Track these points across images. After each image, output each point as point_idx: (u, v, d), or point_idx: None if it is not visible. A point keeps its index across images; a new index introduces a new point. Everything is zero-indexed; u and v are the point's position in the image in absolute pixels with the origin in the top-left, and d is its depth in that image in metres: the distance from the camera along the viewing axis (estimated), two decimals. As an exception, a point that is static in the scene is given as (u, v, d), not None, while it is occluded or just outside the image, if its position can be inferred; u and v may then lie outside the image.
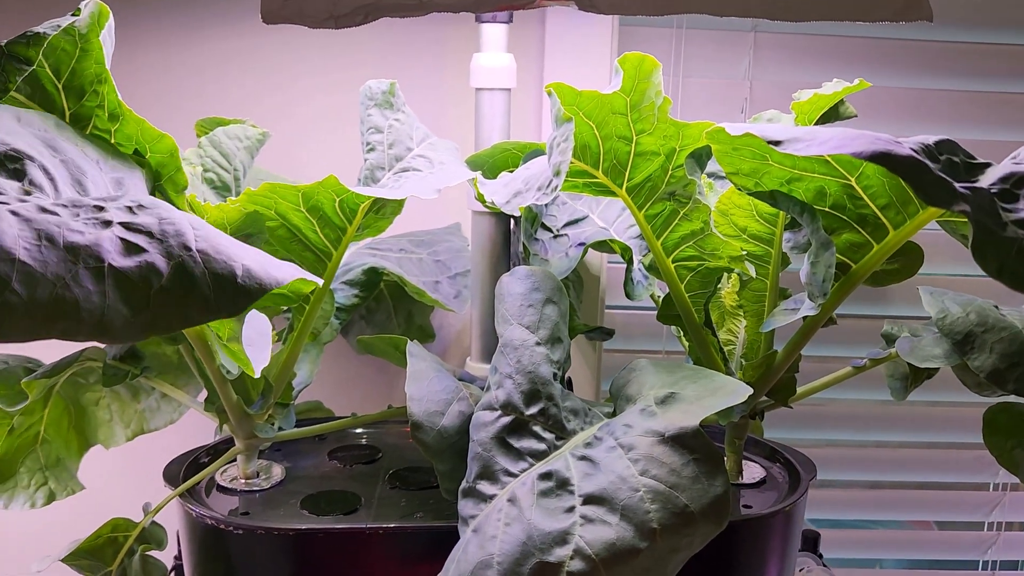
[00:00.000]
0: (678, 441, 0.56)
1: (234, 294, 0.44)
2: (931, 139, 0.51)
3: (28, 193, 0.45)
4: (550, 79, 0.91)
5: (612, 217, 0.83)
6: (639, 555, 0.53)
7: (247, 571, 0.64)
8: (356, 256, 0.86)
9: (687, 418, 0.57)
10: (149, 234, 0.43)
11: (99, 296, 0.40)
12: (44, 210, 0.42)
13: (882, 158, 0.43)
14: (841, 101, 0.73)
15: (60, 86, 0.56)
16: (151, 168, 0.61)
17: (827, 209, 0.62)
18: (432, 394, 0.63)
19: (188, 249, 0.43)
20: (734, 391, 0.58)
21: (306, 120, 0.96)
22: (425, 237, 0.94)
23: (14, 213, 0.40)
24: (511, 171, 0.81)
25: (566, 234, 0.81)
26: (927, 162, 0.45)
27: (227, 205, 0.63)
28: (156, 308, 0.41)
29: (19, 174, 0.46)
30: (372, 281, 0.82)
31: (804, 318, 0.65)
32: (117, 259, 0.41)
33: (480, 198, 0.76)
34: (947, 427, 1.11)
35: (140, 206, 0.45)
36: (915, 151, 0.47)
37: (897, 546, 1.17)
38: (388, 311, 0.95)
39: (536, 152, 0.77)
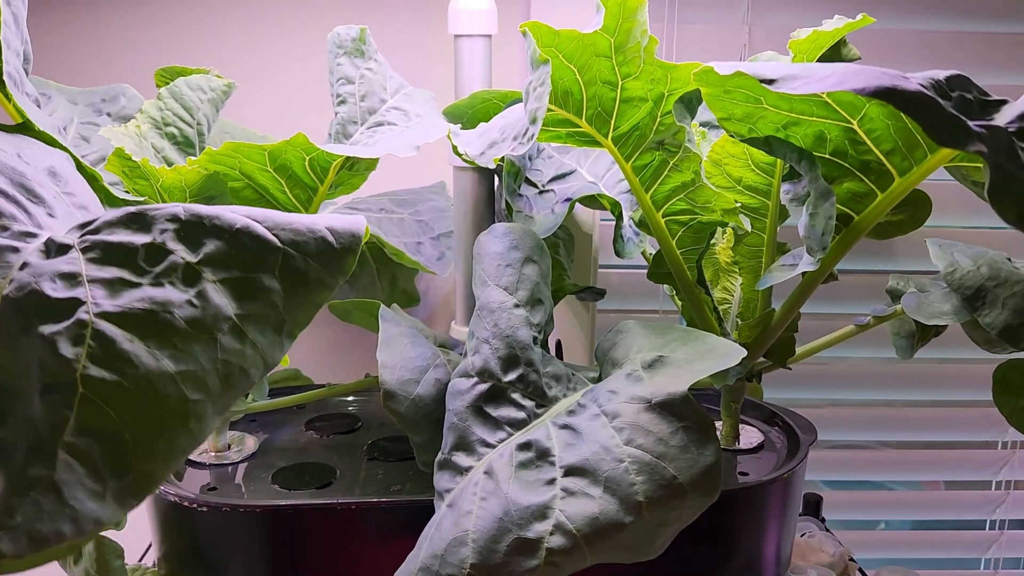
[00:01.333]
0: (666, 408, 0.52)
1: (340, 260, 0.41)
2: (941, 74, 0.46)
3: (4, 228, 0.40)
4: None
5: (601, 171, 0.78)
6: (624, 530, 0.50)
7: (215, 549, 0.61)
8: (333, 216, 0.82)
9: (675, 383, 0.53)
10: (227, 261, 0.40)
11: (250, 347, 0.39)
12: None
13: (888, 94, 0.39)
14: (843, 42, 0.68)
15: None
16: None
17: (827, 156, 0.57)
18: (406, 361, 0.59)
19: (277, 249, 0.40)
20: (727, 354, 0.54)
21: (273, 69, 0.91)
22: (407, 196, 0.89)
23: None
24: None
25: (552, 189, 0.77)
26: (938, 99, 0.41)
27: (184, 167, 0.59)
28: (289, 312, 0.40)
29: None
30: (348, 242, 0.78)
31: (803, 274, 0.61)
32: (238, 307, 0.39)
33: (457, 151, 0.71)
34: (955, 385, 1.07)
35: (195, 221, 0.40)
36: (924, 87, 0.42)
37: (903, 506, 1.14)
38: (372, 275, 0.90)
39: (517, 101, 0.72)
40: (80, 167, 0.52)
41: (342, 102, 0.68)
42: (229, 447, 0.70)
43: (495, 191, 0.79)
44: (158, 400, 0.36)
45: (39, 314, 0.36)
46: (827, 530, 0.87)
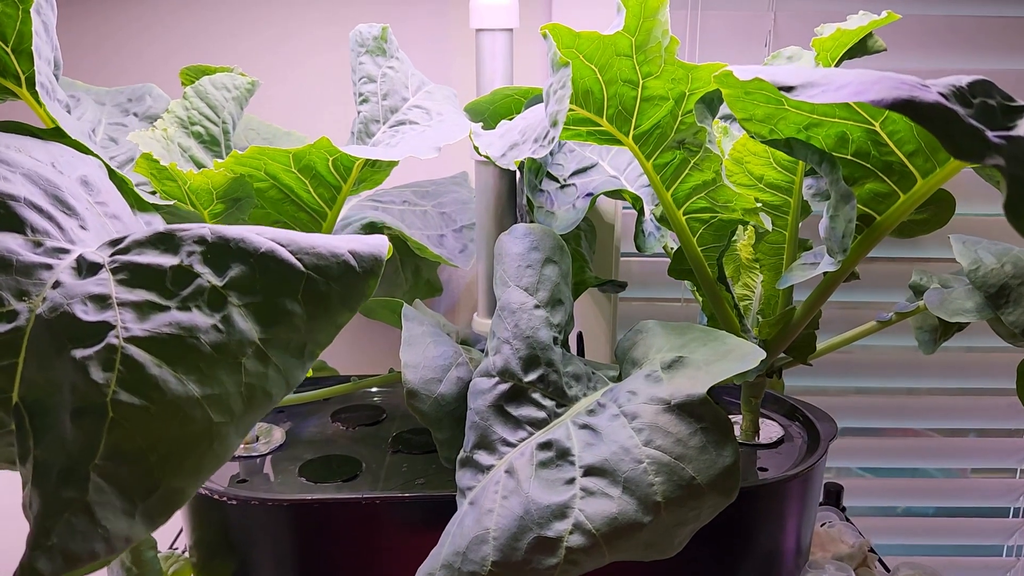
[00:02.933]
0: (685, 409, 0.53)
1: (361, 283, 0.42)
2: (964, 80, 0.46)
3: (38, 244, 0.42)
4: (559, 20, 0.86)
5: (623, 164, 0.78)
6: (643, 530, 0.51)
7: (244, 539, 0.62)
8: (356, 209, 0.83)
9: (694, 385, 0.53)
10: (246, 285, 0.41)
11: (273, 369, 0.40)
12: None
13: (905, 106, 0.39)
14: (869, 34, 0.67)
15: (9, 50, 0.52)
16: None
17: (849, 157, 0.57)
18: (429, 360, 0.60)
19: (301, 274, 0.41)
20: (746, 355, 0.55)
21: (295, 65, 0.92)
22: (430, 188, 0.90)
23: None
24: (511, 119, 0.76)
25: (573, 184, 0.77)
26: (957, 108, 0.40)
27: (211, 171, 0.60)
28: (311, 334, 0.41)
29: (11, 222, 0.42)
30: (372, 236, 0.78)
31: (824, 273, 0.61)
32: (262, 331, 0.40)
33: (478, 151, 0.72)
34: (980, 373, 1.06)
35: (220, 244, 0.41)
36: (944, 96, 0.42)
37: (926, 494, 1.14)
38: (395, 265, 0.91)
39: (539, 98, 0.72)
40: (111, 174, 0.53)
41: (364, 101, 0.69)
42: (257, 439, 0.71)
43: (517, 185, 0.80)
44: (184, 423, 0.37)
45: (71, 337, 0.37)
46: (847, 519, 0.88)
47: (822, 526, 0.84)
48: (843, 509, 0.91)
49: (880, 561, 0.80)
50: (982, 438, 1.12)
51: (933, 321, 0.73)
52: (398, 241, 0.88)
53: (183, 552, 0.73)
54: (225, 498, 0.61)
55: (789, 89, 0.44)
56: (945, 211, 0.60)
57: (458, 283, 0.98)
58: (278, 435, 0.73)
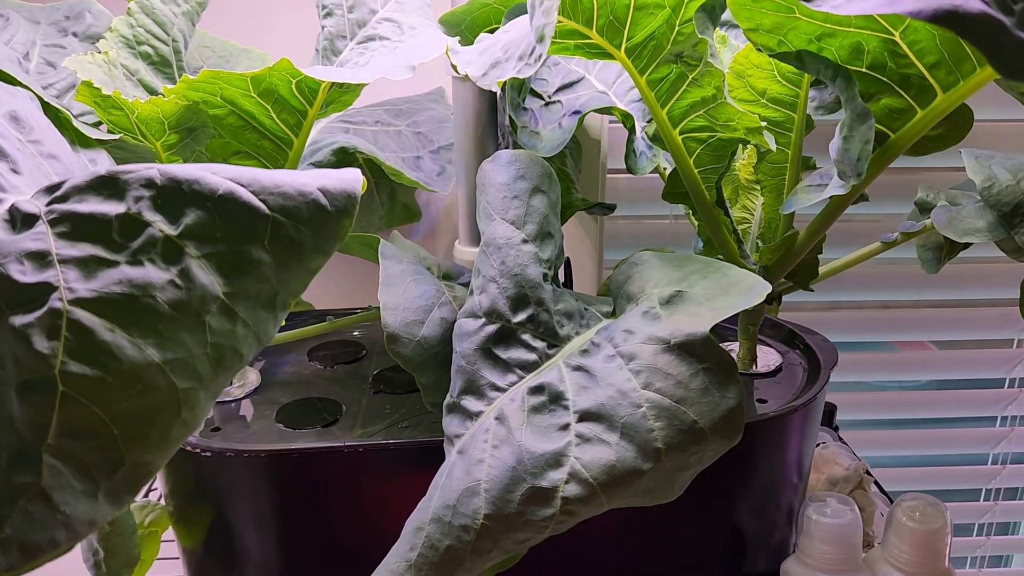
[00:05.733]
0: (685, 349, 0.49)
1: (335, 224, 0.38)
2: (1001, -18, 0.41)
3: None
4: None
5: (611, 78, 0.73)
6: (642, 477, 0.48)
7: (220, 490, 0.59)
8: (325, 132, 0.77)
9: (696, 323, 0.50)
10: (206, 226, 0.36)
11: (241, 325, 0.36)
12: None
13: (948, 18, 0.34)
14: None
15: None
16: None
17: (864, 70, 0.52)
18: (409, 301, 0.56)
19: (266, 217, 0.36)
20: (750, 289, 0.51)
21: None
22: (404, 106, 0.84)
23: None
24: (493, 29, 0.70)
25: (559, 100, 0.72)
26: (1003, 19, 0.36)
27: (161, 99, 0.54)
28: (282, 284, 0.37)
29: None
30: (344, 163, 0.73)
31: (831, 197, 0.57)
32: (226, 284, 0.36)
33: (456, 69, 0.66)
34: (975, 284, 1.04)
35: (172, 187, 0.36)
36: (987, 3, 0.37)
37: (915, 407, 1.13)
38: (370, 190, 0.86)
39: (520, 8, 0.66)
40: (46, 108, 0.47)
41: (328, 14, 0.63)
42: (231, 382, 0.68)
43: (498, 102, 0.74)
44: (146, 392, 0.33)
45: (8, 302, 0.33)
46: (840, 439, 0.87)
47: (816, 446, 0.82)
48: (836, 428, 0.89)
49: (876, 483, 0.79)
50: (972, 349, 1.10)
51: (938, 239, 0.70)
52: (372, 165, 0.83)
53: (159, 499, 0.71)
54: (199, 450, 0.57)
55: (810, -2, 0.39)
56: (962, 126, 0.56)
57: (436, 206, 0.93)
58: (252, 377, 0.69)
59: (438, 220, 0.94)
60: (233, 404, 0.66)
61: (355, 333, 0.78)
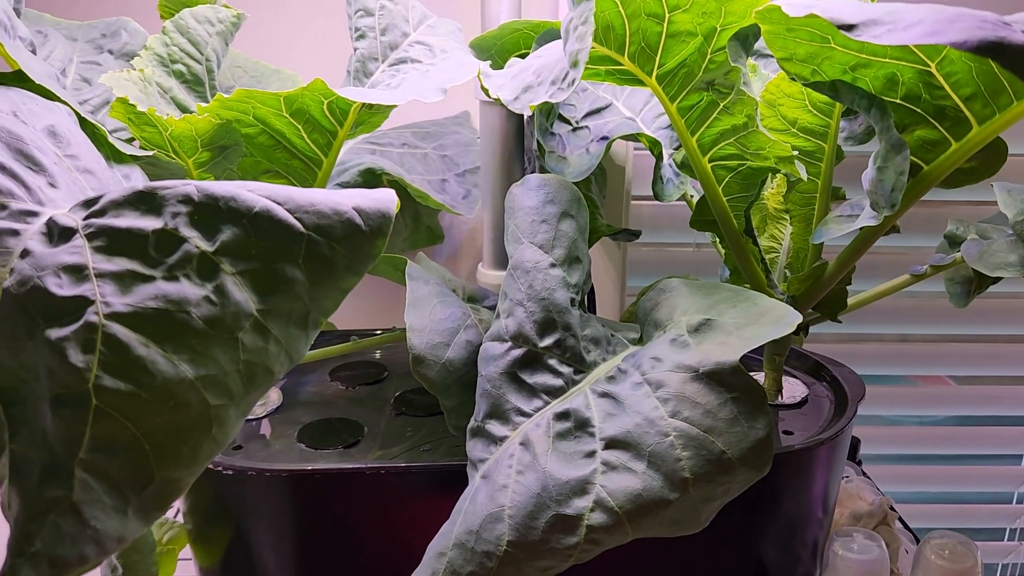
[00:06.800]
0: (714, 378, 0.49)
1: (368, 243, 0.38)
2: (1042, 16, 0.41)
3: (2, 207, 0.36)
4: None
5: (639, 105, 0.73)
6: (668, 507, 0.47)
7: (241, 509, 0.59)
8: (353, 153, 0.77)
9: (725, 352, 0.49)
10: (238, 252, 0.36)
11: (273, 343, 0.36)
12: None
13: (993, 49, 0.34)
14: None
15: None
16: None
17: (898, 101, 0.52)
18: (435, 323, 0.56)
19: (300, 236, 0.36)
20: (780, 318, 0.51)
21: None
22: (431, 128, 0.84)
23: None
24: (523, 53, 0.70)
25: (587, 126, 0.72)
26: (1046, 52, 0.35)
27: (195, 117, 0.54)
28: (314, 302, 0.37)
29: None
30: (370, 183, 0.73)
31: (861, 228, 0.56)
32: (260, 302, 0.36)
33: (488, 93, 0.66)
34: (997, 319, 1.03)
35: (209, 203, 0.36)
36: (1028, 37, 0.37)
37: (935, 442, 1.11)
38: (393, 210, 0.86)
39: (551, 33, 0.66)
40: (83, 123, 0.48)
41: (361, 36, 0.63)
42: (253, 401, 0.67)
43: (525, 126, 0.74)
44: (178, 408, 0.33)
45: (45, 315, 0.33)
46: (864, 473, 0.85)
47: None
48: (859, 462, 0.88)
49: (901, 520, 0.78)
50: (998, 385, 1.09)
51: (967, 273, 0.69)
52: (397, 186, 0.83)
53: (176, 516, 0.70)
54: (220, 468, 0.57)
55: (850, 28, 0.39)
56: (996, 159, 0.56)
57: (460, 229, 0.93)
58: (275, 396, 0.69)
59: (461, 243, 0.94)
60: (255, 423, 0.66)
61: (377, 354, 0.78)
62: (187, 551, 0.65)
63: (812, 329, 0.97)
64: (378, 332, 0.78)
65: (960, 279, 0.71)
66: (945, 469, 1.12)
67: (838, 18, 0.40)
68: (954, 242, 0.68)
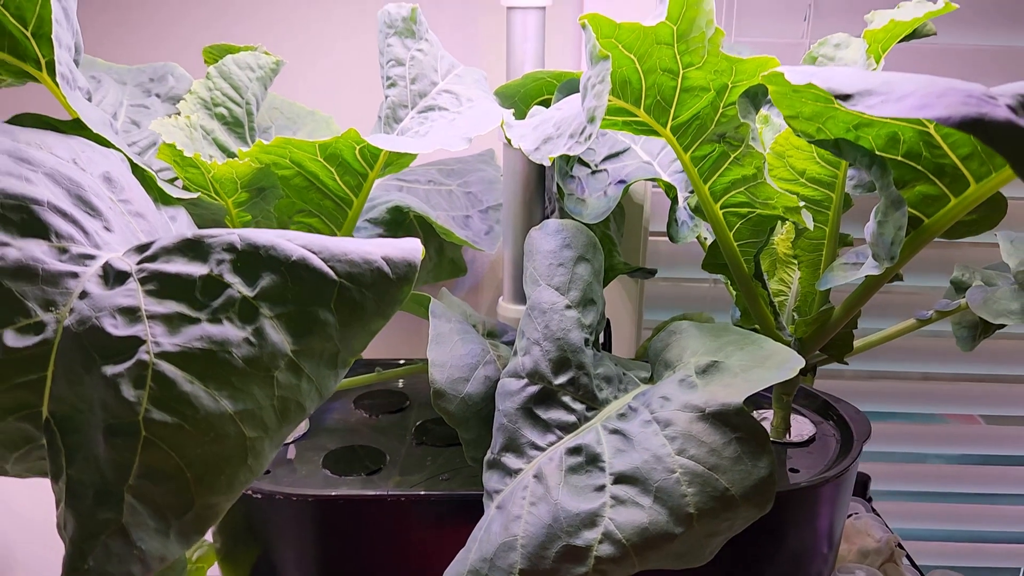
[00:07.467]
0: (719, 418, 0.52)
1: (395, 290, 0.41)
2: (1030, 87, 0.43)
3: (64, 251, 0.40)
4: (593, 1, 0.83)
5: (656, 149, 0.76)
6: (674, 540, 0.50)
7: (268, 532, 0.62)
8: (381, 190, 0.81)
9: (730, 394, 0.52)
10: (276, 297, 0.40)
11: (306, 381, 0.40)
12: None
13: (974, 125, 0.36)
14: (921, 20, 0.64)
15: (29, 34, 0.50)
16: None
17: (899, 158, 0.54)
18: (456, 359, 0.59)
19: (333, 283, 0.40)
20: (784, 363, 0.53)
21: (321, 43, 0.89)
22: (456, 166, 0.88)
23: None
24: (545, 100, 0.74)
25: (605, 169, 0.75)
26: (1027, 126, 0.38)
27: (237, 161, 0.58)
28: (344, 343, 0.40)
29: (35, 228, 0.40)
30: (397, 220, 0.77)
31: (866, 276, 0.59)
32: (295, 343, 0.39)
33: (510, 142, 0.69)
34: (1013, 360, 1.04)
35: (251, 252, 0.40)
36: (1013, 109, 0.39)
37: (952, 480, 1.12)
38: (418, 243, 0.90)
39: (572, 83, 0.69)
40: (134, 168, 0.52)
41: (392, 85, 0.67)
42: (281, 427, 0.71)
43: (546, 168, 0.78)
44: (218, 440, 0.36)
45: (101, 353, 0.36)
46: (873, 510, 0.87)
47: (848, 517, 0.83)
48: (869, 499, 0.90)
49: (908, 558, 0.79)
50: (1013, 426, 1.10)
51: (973, 318, 0.71)
52: (423, 222, 0.86)
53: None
54: (250, 491, 0.60)
55: (846, 98, 0.42)
56: (996, 213, 0.58)
57: (482, 262, 0.97)
58: (301, 424, 0.72)
59: (483, 276, 0.97)
60: (283, 448, 0.69)
61: (400, 383, 0.81)
62: (215, 569, 0.68)
63: (832, 366, 0.99)
64: (401, 362, 0.81)
65: (967, 323, 0.73)
66: (958, 507, 1.12)
67: (835, 88, 0.43)
68: (960, 288, 0.70)
